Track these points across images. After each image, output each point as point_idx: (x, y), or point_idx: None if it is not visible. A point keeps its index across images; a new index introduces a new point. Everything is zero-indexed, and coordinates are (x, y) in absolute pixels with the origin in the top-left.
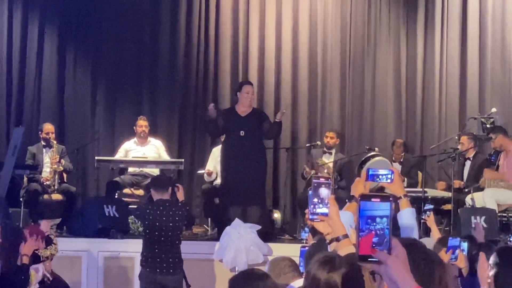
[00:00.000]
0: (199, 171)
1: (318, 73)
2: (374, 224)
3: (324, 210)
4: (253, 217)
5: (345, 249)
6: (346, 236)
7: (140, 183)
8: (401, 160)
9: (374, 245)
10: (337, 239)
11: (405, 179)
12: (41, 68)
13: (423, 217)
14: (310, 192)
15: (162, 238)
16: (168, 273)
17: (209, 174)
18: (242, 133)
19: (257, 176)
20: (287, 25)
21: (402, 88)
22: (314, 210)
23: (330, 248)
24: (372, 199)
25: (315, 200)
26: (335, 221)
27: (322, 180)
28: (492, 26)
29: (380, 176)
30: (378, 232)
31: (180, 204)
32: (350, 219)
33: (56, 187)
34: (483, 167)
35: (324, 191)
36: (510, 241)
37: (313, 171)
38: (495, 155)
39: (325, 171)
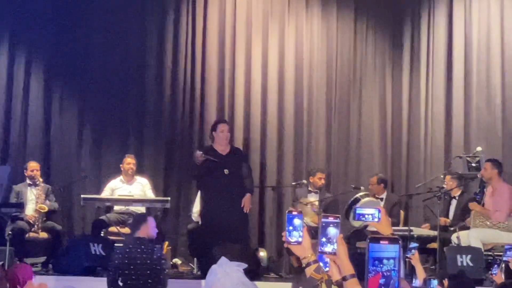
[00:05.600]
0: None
1: (303, 111)
2: (381, 265)
3: (332, 248)
4: (237, 255)
5: None
6: (353, 275)
7: (126, 221)
8: (382, 197)
9: (381, 287)
10: (344, 278)
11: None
12: (27, 106)
13: (408, 255)
14: (288, 215)
15: (133, 277)
16: None
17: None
18: (226, 171)
19: (240, 214)
20: (273, 64)
21: (388, 127)
22: (322, 248)
23: (307, 271)
24: (381, 242)
25: (323, 239)
26: (343, 260)
27: (330, 219)
28: (477, 66)
29: (367, 216)
30: (385, 273)
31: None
32: None
33: (40, 226)
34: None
35: (332, 230)
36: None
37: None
38: (480, 193)
39: (308, 206)
